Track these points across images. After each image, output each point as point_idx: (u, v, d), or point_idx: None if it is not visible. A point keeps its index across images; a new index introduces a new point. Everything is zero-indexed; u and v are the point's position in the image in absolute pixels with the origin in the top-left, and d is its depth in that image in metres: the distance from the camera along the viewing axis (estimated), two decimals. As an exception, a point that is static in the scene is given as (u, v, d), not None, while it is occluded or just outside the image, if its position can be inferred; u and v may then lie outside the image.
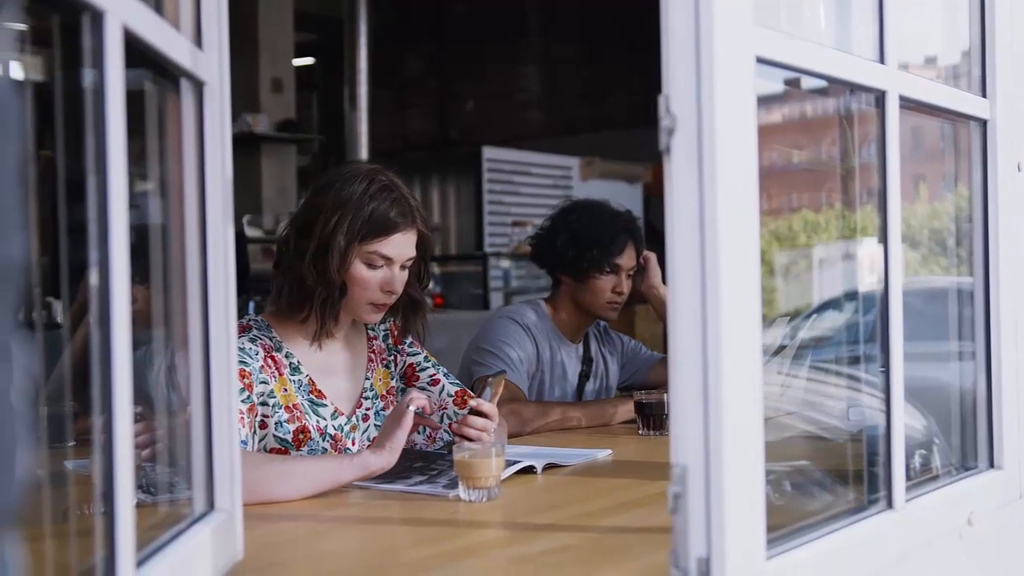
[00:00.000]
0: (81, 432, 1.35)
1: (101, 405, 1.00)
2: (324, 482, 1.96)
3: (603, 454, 2.37)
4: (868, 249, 1.91)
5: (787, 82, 1.50)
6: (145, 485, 1.43)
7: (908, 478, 1.57)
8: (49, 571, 1.16)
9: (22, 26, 0.92)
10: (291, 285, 2.22)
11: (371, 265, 2.21)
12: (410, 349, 2.46)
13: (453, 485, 1.92)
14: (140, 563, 1.10)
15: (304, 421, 2.19)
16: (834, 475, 1.74)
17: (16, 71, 0.61)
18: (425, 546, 1.63)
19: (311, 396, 2.24)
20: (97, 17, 0.98)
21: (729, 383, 1.18)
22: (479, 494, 1.87)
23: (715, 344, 1.17)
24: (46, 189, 1.07)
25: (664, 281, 3.14)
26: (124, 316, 1.01)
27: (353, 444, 2.28)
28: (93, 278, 1.01)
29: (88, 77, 1.00)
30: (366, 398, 2.34)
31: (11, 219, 0.55)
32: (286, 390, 2.19)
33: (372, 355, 2.40)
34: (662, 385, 2.99)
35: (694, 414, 1.18)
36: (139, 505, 1.09)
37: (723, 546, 1.17)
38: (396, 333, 2.44)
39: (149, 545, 1.18)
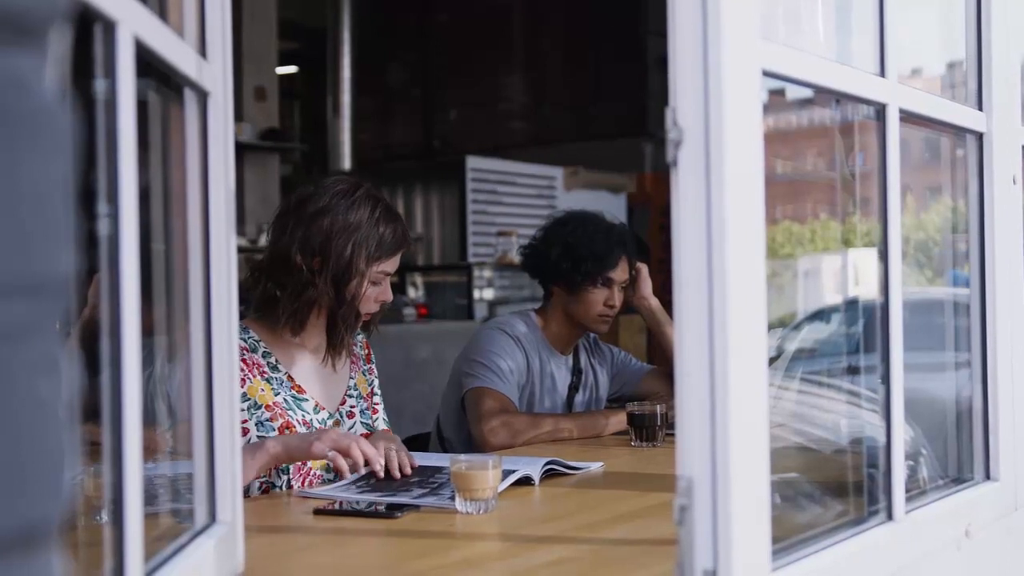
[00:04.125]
0: (81, 442, 1.34)
1: (111, 416, 0.99)
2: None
3: (595, 467, 2.37)
4: (855, 260, 1.92)
5: (771, 92, 1.50)
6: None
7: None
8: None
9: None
10: (304, 307, 2.28)
11: (376, 283, 2.32)
12: (374, 369, 2.56)
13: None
14: (146, 576, 1.09)
15: (287, 417, 2.26)
16: (829, 487, 1.74)
17: (65, 86, 0.60)
18: (424, 558, 1.62)
19: (292, 392, 2.31)
20: (109, 27, 0.98)
21: (736, 395, 1.18)
22: (476, 506, 1.87)
23: (722, 356, 1.17)
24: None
25: (657, 290, 3.17)
26: (133, 325, 1.01)
27: None
28: (102, 287, 1.00)
29: (99, 86, 0.99)
30: (350, 396, 2.44)
31: (59, 233, 0.55)
32: (263, 390, 2.26)
33: (354, 358, 2.49)
34: (652, 396, 3.00)
35: (700, 426, 1.18)
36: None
37: (729, 558, 1.17)
38: (368, 349, 2.54)
39: (154, 558, 1.17)
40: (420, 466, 2.27)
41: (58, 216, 0.56)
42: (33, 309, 0.55)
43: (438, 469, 2.20)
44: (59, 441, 0.56)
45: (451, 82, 10.07)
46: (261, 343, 2.30)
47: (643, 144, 8.73)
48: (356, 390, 2.45)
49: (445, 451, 2.94)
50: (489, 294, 7.49)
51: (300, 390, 2.32)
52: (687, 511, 1.19)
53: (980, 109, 1.83)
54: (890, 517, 1.53)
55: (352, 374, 2.46)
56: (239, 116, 7.72)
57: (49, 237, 0.55)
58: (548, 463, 2.21)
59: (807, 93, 1.60)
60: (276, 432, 2.22)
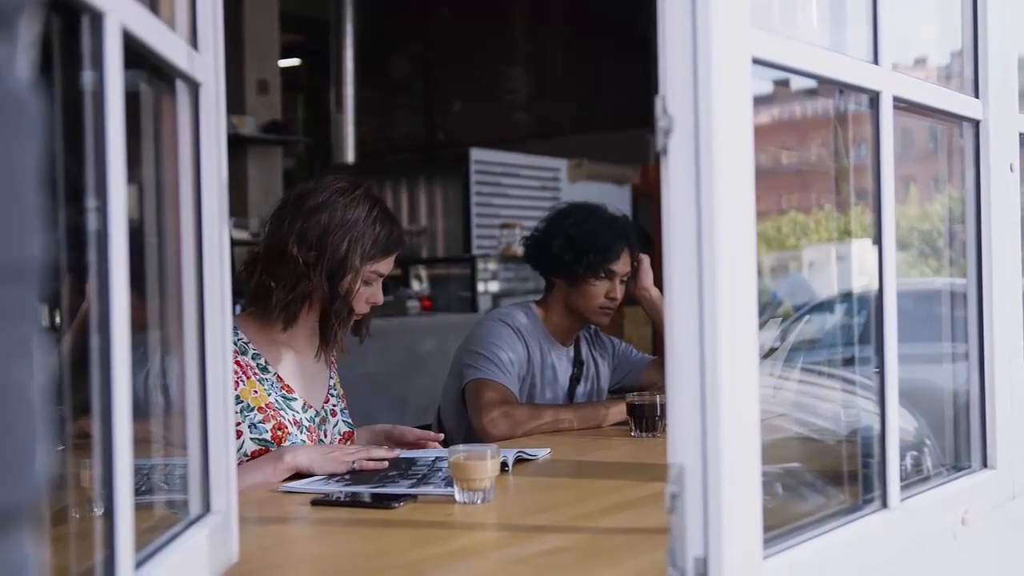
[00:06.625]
0: (76, 435, 1.35)
1: (100, 408, 0.99)
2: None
3: (544, 453, 2.39)
4: (858, 251, 1.92)
5: (776, 83, 1.50)
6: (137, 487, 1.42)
7: (901, 478, 1.57)
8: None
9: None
10: (297, 300, 2.30)
11: (368, 283, 2.35)
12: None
13: (451, 483, 1.92)
14: (138, 565, 1.09)
15: (280, 418, 2.29)
16: (827, 475, 1.74)
17: (35, 72, 0.60)
18: (421, 548, 1.63)
19: (282, 392, 2.33)
20: (97, 18, 0.98)
21: (726, 383, 1.18)
22: (473, 495, 1.87)
23: (712, 344, 1.17)
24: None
25: (659, 281, 3.16)
26: (123, 318, 1.01)
27: (325, 436, 2.41)
28: (91, 281, 1.01)
29: (87, 78, 0.99)
30: (332, 395, 2.48)
31: (31, 219, 0.55)
32: (256, 392, 2.29)
33: (334, 358, 2.52)
34: (654, 387, 3.00)
35: (691, 414, 1.18)
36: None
37: (720, 546, 1.17)
38: (335, 353, 2.54)
39: (146, 547, 1.17)
40: (396, 459, 2.26)
41: (30, 202, 0.56)
42: (6, 294, 0.55)
43: (412, 461, 2.23)
44: (33, 425, 0.57)
45: (454, 74, 10.08)
46: (250, 345, 2.33)
47: (647, 135, 8.71)
48: (336, 390, 2.51)
49: (445, 442, 2.94)
50: (493, 287, 7.49)
51: (289, 389, 2.35)
52: (678, 499, 1.19)
53: (976, 96, 1.83)
54: (884, 505, 1.53)
55: (332, 374, 2.50)
56: (241, 109, 7.73)
57: (21, 223, 0.55)
58: (518, 458, 2.26)
59: (810, 83, 1.59)
60: (269, 434, 2.24)
